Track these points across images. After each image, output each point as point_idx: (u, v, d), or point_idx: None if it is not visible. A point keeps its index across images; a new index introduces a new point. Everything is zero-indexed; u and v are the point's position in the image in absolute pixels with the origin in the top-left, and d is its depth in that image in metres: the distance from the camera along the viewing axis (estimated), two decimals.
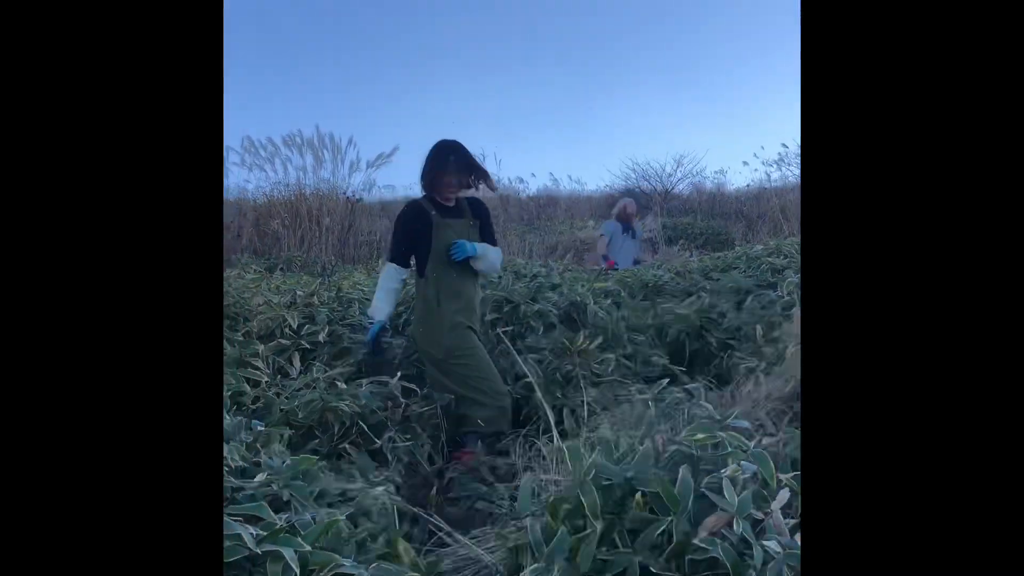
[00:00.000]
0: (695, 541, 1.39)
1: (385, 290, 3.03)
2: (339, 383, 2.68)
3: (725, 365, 3.09)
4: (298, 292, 3.49)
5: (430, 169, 3.06)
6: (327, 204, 9.00)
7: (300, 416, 2.46)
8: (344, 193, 9.25)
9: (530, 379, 2.88)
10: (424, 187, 3.10)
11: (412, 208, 3.10)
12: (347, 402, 2.50)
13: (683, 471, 1.58)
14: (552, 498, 1.56)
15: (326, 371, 2.79)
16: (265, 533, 1.34)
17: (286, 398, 2.54)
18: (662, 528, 1.48)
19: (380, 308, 3.03)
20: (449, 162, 3.03)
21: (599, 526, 1.46)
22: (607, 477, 1.55)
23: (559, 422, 2.68)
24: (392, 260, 3.05)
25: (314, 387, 2.60)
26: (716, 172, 20.32)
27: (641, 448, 1.67)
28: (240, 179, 9.38)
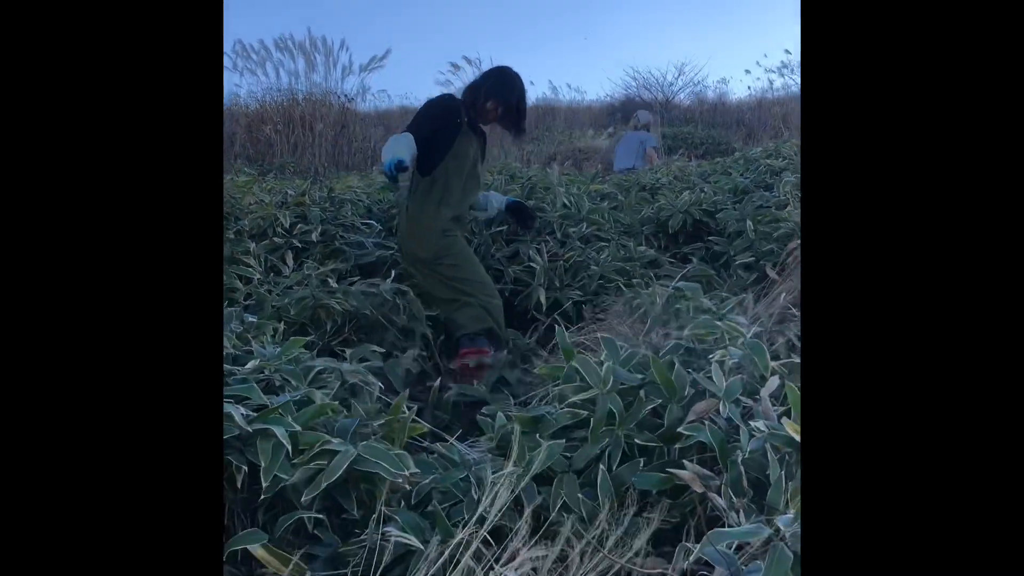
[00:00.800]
0: (681, 429, 1.41)
1: (404, 144, 2.62)
2: (331, 281, 2.67)
3: (724, 262, 3.09)
4: (290, 192, 3.45)
5: (490, 91, 2.88)
6: (320, 109, 8.84)
7: (292, 313, 2.46)
8: (337, 96, 9.09)
9: (533, 264, 2.88)
10: (469, 99, 2.92)
11: (448, 102, 2.91)
12: (339, 300, 2.49)
13: (678, 361, 1.59)
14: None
15: (319, 269, 2.77)
16: (256, 414, 1.35)
17: (278, 295, 2.53)
18: (649, 408, 1.51)
19: (400, 150, 2.60)
20: (512, 96, 2.89)
21: (621, 433, 1.49)
22: (623, 382, 1.57)
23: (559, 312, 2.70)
24: (410, 132, 2.73)
25: (306, 284, 2.59)
26: (718, 81, 20.01)
27: (643, 348, 1.68)
28: (232, 84, 9.18)
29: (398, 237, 3.01)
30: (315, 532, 1.33)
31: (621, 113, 16.41)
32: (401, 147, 2.58)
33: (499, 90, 2.89)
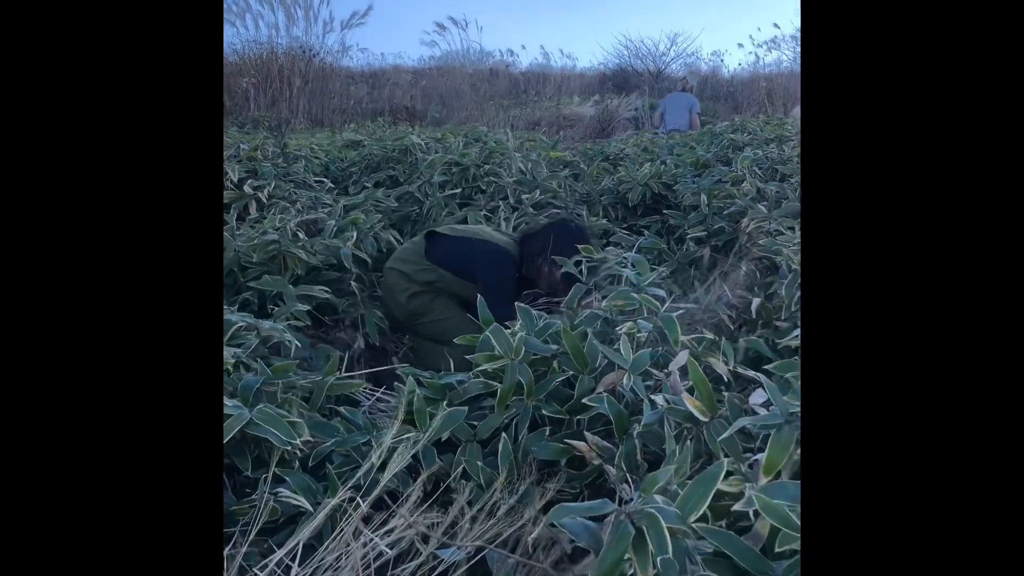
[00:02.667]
0: (584, 400, 1.41)
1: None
2: (301, 234, 2.64)
3: (678, 236, 3.08)
4: (242, 146, 3.40)
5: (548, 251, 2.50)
6: (298, 64, 8.74)
7: (254, 257, 2.44)
8: (316, 52, 8.98)
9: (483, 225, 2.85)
10: (528, 255, 2.58)
11: (509, 266, 2.58)
12: (305, 251, 2.48)
13: (591, 333, 1.59)
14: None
15: (296, 219, 2.73)
16: None
17: (243, 240, 2.50)
18: (562, 379, 1.50)
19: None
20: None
21: (531, 404, 1.49)
22: (536, 352, 1.56)
23: None
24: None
25: (277, 231, 2.57)
26: (712, 54, 19.89)
27: (558, 320, 1.67)
28: None
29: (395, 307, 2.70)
30: None
31: (612, 82, 16.33)
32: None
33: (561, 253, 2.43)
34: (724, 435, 1.13)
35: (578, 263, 2.31)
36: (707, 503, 0.92)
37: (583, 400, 1.42)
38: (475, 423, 1.48)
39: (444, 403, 1.50)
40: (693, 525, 0.93)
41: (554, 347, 1.57)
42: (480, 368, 1.56)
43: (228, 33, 9.11)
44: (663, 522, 0.88)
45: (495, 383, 1.53)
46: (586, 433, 1.37)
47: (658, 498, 0.95)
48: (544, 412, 1.47)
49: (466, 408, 1.47)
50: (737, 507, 0.96)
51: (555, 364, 1.56)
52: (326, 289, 2.29)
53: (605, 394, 1.39)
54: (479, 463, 1.39)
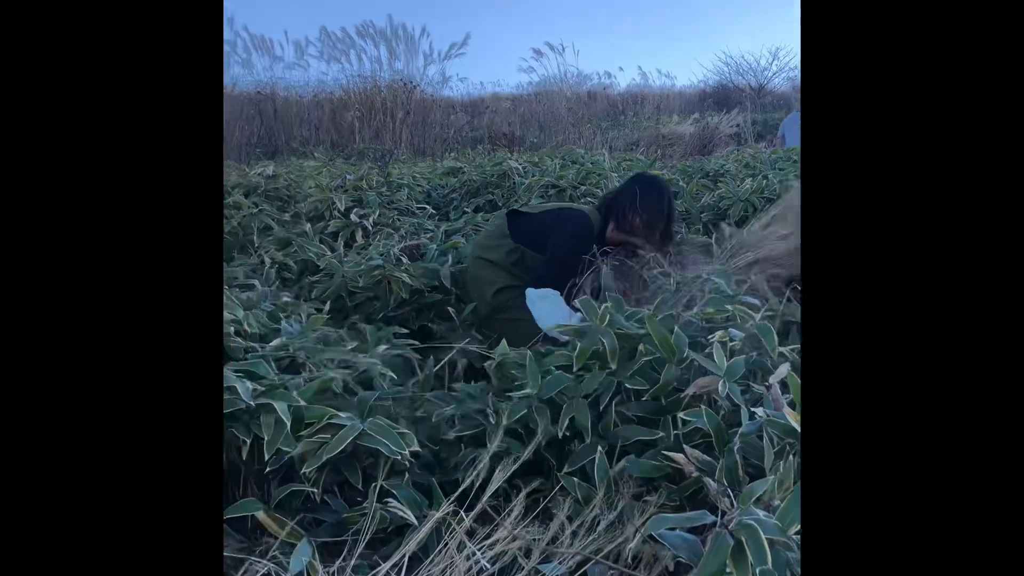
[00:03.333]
0: (682, 415, 1.41)
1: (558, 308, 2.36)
2: (403, 259, 2.74)
3: None
4: (348, 176, 3.54)
5: (638, 203, 2.52)
6: (400, 96, 8.99)
7: (360, 282, 2.54)
8: (417, 83, 9.23)
9: None
10: (613, 212, 2.56)
11: (588, 227, 2.52)
12: (408, 275, 2.57)
13: (678, 327, 1.59)
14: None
15: (400, 245, 2.84)
16: (263, 388, 1.41)
17: (350, 267, 2.61)
18: (647, 360, 1.54)
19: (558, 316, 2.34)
20: (662, 204, 2.55)
21: (614, 366, 1.52)
22: (619, 327, 1.59)
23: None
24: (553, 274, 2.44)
25: (381, 256, 2.67)
26: None
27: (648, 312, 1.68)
28: (318, 72, 9.42)
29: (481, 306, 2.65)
30: (325, 499, 1.39)
31: (712, 99, 16.12)
32: (557, 312, 2.33)
33: (648, 201, 2.53)
34: None
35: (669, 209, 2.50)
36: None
37: (680, 415, 1.42)
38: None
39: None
40: (793, 537, 0.92)
41: (640, 330, 1.58)
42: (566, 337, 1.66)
43: (333, 69, 9.48)
44: (763, 534, 0.88)
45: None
46: (685, 447, 1.37)
47: (758, 510, 0.95)
48: (629, 386, 1.50)
49: (571, 375, 1.52)
50: None
51: (641, 346, 1.57)
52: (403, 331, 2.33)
53: (703, 407, 1.39)
54: (575, 479, 1.40)
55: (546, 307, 2.35)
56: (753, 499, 0.98)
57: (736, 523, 0.89)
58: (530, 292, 2.41)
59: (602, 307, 1.61)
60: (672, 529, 0.95)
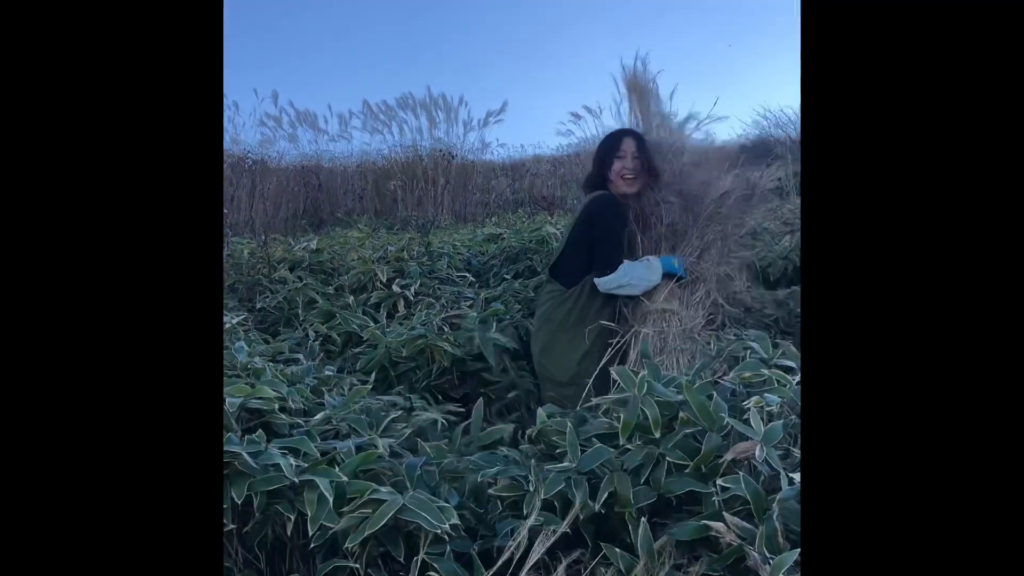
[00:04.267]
0: (720, 481, 1.41)
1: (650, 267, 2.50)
2: (445, 328, 2.79)
3: None
4: (389, 247, 3.62)
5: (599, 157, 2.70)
6: (441, 164, 9.17)
7: (403, 352, 2.60)
8: (457, 151, 9.42)
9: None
10: (602, 180, 2.70)
11: (613, 202, 2.62)
12: (450, 343, 2.61)
13: (716, 393, 1.60)
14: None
15: (441, 315, 2.89)
16: (306, 464, 1.44)
17: (393, 337, 2.67)
18: (688, 432, 1.54)
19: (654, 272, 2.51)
20: (609, 145, 2.70)
21: (658, 434, 1.53)
22: (658, 396, 1.60)
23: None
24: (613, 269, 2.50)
25: (424, 326, 2.73)
26: None
27: (687, 378, 1.69)
28: (361, 143, 9.67)
29: (533, 350, 2.67)
30: (368, 573, 1.41)
31: (752, 152, 16.09)
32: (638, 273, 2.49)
33: (605, 148, 2.71)
34: None
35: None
36: None
37: (720, 481, 1.42)
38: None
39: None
40: None
41: (678, 396, 1.59)
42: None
43: (376, 140, 9.72)
44: None
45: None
46: (725, 514, 1.36)
47: None
48: (670, 459, 1.50)
49: (613, 448, 1.53)
50: None
51: (681, 414, 1.58)
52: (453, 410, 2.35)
53: (742, 474, 1.38)
54: (616, 549, 1.40)
55: (630, 279, 2.48)
56: (783, 570, 0.98)
57: None
58: (600, 283, 2.50)
59: (639, 376, 1.63)
60: None
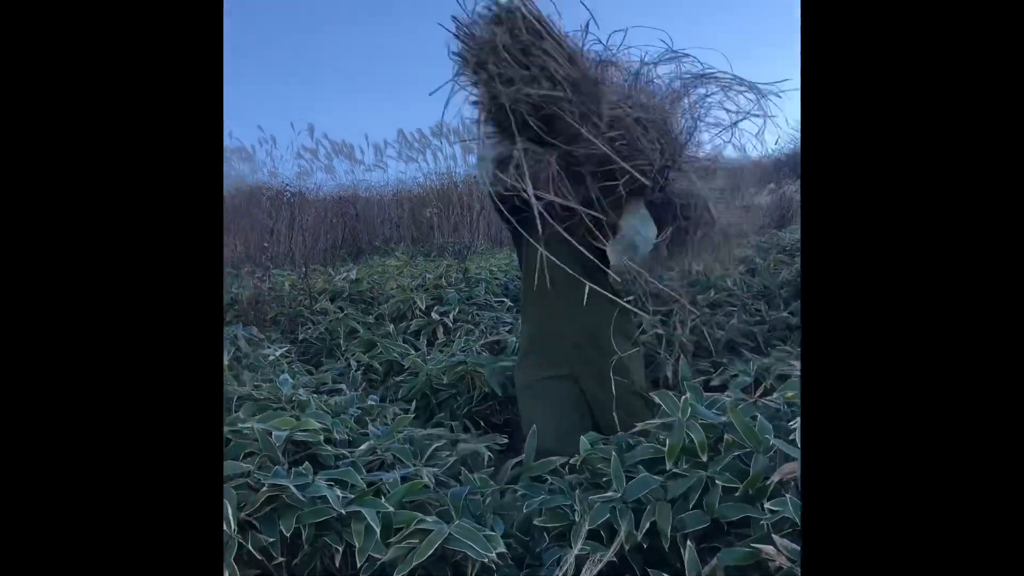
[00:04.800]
0: (768, 505, 1.39)
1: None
2: (485, 354, 2.80)
3: None
4: (427, 275, 3.65)
5: None
6: (476, 190, 9.22)
7: (444, 379, 2.61)
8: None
9: (658, 330, 2.84)
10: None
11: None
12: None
13: (760, 415, 1.58)
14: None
15: (480, 340, 2.90)
16: (352, 496, 1.46)
17: (434, 364, 2.69)
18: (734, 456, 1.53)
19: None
20: None
21: (704, 458, 1.53)
22: (702, 418, 1.60)
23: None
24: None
25: (463, 351, 2.74)
26: None
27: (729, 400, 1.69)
28: (397, 171, 9.75)
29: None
30: None
31: (788, 167, 15.99)
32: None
33: None
34: None
35: None
36: None
37: (767, 504, 1.40)
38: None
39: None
40: None
41: (722, 417, 1.58)
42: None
43: (411, 168, 9.78)
44: None
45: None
46: (774, 536, 1.35)
47: None
48: (719, 482, 1.48)
49: (660, 477, 1.53)
50: None
51: (727, 437, 1.57)
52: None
53: (788, 496, 1.37)
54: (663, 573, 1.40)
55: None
56: None
57: None
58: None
59: (682, 400, 1.62)
60: None
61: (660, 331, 2.91)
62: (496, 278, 3.72)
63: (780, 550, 1.33)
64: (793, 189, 11.83)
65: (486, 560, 1.39)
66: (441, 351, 2.87)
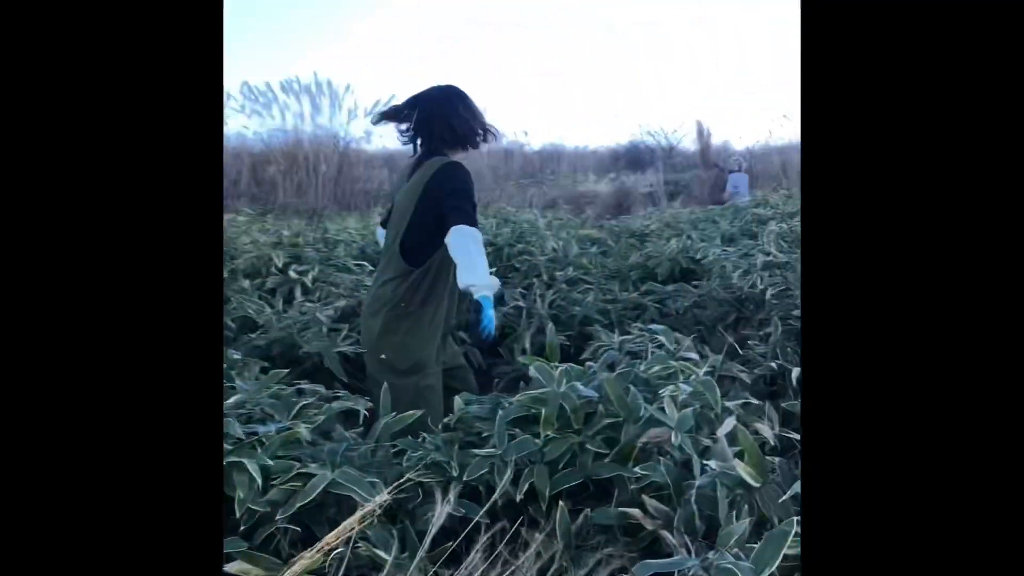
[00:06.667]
0: (639, 469, 1.47)
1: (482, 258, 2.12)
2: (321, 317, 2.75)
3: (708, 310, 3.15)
4: (284, 233, 3.55)
5: (470, 116, 2.34)
6: (323, 151, 9.00)
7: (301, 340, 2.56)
8: (340, 139, 9.26)
9: (519, 303, 2.91)
10: (455, 138, 2.33)
11: (463, 168, 2.27)
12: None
13: (633, 388, 1.67)
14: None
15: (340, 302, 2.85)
16: (231, 447, 1.42)
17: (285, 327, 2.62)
18: (606, 423, 1.60)
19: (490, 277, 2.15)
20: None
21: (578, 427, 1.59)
22: (577, 394, 1.65)
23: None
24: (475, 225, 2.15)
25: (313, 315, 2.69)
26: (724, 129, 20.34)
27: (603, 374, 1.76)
28: (239, 125, 9.34)
29: (367, 336, 2.36)
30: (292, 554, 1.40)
31: (625, 159, 16.63)
32: (480, 263, 2.09)
33: (468, 106, 2.37)
34: (783, 497, 1.19)
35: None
36: (779, 559, 0.98)
37: (637, 468, 1.48)
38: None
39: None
40: None
41: (595, 394, 1.66)
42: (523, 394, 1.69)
43: (255, 123, 9.41)
44: None
45: (539, 406, 1.63)
46: (644, 497, 1.43)
47: (729, 555, 1.02)
48: (590, 447, 1.56)
49: (539, 439, 1.57)
50: None
51: (600, 407, 1.64)
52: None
53: (661, 459, 1.46)
54: (538, 534, 1.45)
55: (476, 251, 2.10)
56: (732, 541, 1.05)
57: (715, 568, 0.96)
58: (463, 228, 2.12)
59: (558, 371, 1.68)
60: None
61: (521, 304, 2.98)
62: (355, 240, 3.67)
63: (649, 511, 1.41)
64: (632, 180, 12.36)
65: (371, 504, 1.39)
66: (302, 313, 2.80)
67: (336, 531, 1.24)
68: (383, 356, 2.28)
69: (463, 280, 2.08)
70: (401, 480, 1.51)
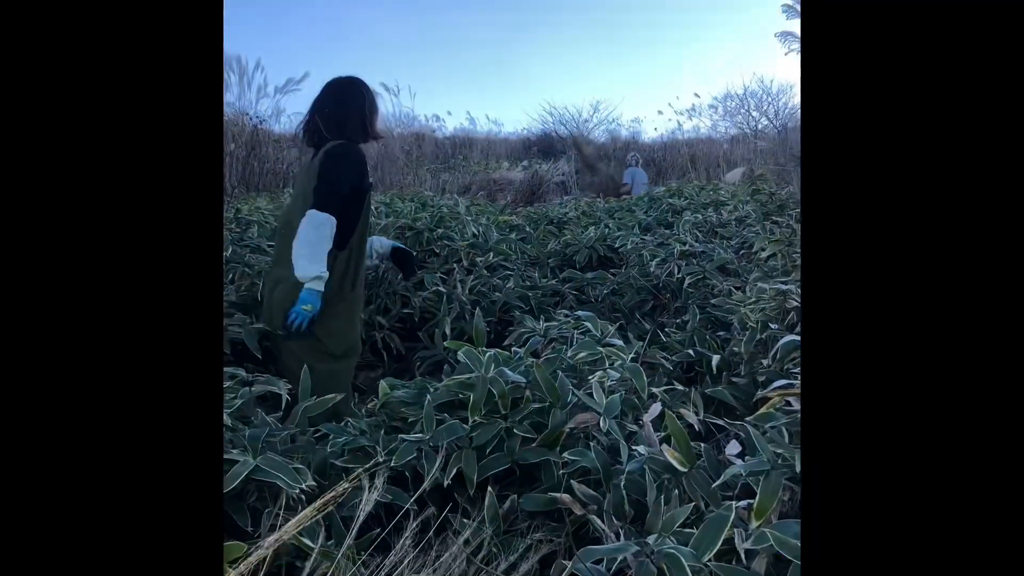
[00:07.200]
0: (567, 455, 1.47)
1: (326, 246, 2.19)
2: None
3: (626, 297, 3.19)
4: None
5: (368, 108, 2.41)
6: (232, 129, 8.70)
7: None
8: (250, 117, 8.97)
9: (439, 287, 2.89)
10: (354, 131, 2.38)
11: (357, 152, 2.33)
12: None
13: (561, 373, 1.67)
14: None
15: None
16: None
17: None
18: (534, 408, 1.60)
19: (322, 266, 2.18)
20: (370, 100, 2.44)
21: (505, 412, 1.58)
22: (505, 379, 1.65)
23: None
24: (332, 213, 2.18)
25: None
26: (632, 121, 20.68)
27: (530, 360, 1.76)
28: None
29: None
30: None
31: (537, 147, 16.73)
32: (322, 252, 2.15)
33: (366, 97, 2.44)
34: (716, 483, 1.21)
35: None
36: (719, 543, 0.99)
37: (565, 453, 1.49)
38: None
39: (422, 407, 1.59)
40: (707, 563, 1.00)
41: (523, 379, 1.65)
42: (451, 379, 1.67)
43: None
44: (684, 561, 0.95)
45: (467, 392, 1.62)
46: (573, 483, 1.43)
47: (670, 540, 1.02)
48: (517, 432, 1.56)
49: (467, 424, 1.56)
50: (746, 545, 1.03)
51: (528, 393, 1.64)
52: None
53: (592, 445, 1.46)
54: (466, 520, 1.43)
55: (315, 240, 2.16)
56: (675, 526, 1.05)
57: (657, 553, 0.96)
58: (313, 214, 2.17)
59: (487, 356, 1.67)
60: (598, 562, 1.01)
61: (441, 289, 2.96)
62: (267, 221, 3.56)
63: (578, 497, 1.41)
64: (545, 168, 12.42)
65: (296, 491, 1.35)
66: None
67: (295, 520, 1.20)
68: (317, 340, 2.26)
69: (295, 271, 2.16)
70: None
